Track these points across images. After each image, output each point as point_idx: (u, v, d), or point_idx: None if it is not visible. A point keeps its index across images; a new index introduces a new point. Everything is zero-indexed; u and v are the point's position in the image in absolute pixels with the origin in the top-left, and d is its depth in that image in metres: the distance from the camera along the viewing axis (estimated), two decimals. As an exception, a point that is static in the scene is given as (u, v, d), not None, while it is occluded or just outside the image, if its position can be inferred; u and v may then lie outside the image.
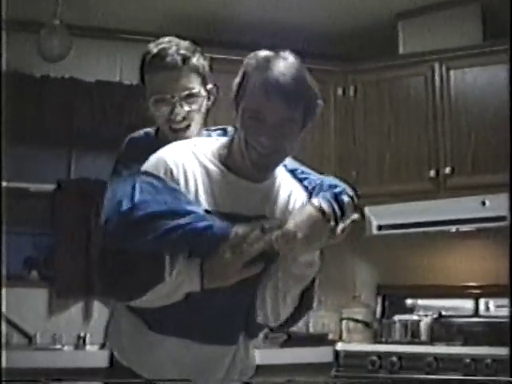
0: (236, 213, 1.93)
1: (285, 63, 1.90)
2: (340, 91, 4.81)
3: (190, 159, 1.95)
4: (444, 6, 4.69)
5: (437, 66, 4.60)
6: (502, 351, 3.54)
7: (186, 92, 2.19)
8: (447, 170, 4.45)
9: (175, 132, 2.15)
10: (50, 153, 5.09)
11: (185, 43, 2.30)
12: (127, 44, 5.05)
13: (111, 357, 2.14)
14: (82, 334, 4.64)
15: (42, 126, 4.85)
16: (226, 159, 1.99)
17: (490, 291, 4.48)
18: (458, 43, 4.57)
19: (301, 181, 2.09)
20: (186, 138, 2.09)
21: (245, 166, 1.94)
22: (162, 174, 1.91)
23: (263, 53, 1.94)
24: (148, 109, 2.23)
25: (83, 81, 4.89)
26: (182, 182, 1.91)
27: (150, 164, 1.95)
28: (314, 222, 1.85)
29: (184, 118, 2.17)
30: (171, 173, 1.91)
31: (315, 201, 1.90)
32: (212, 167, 1.96)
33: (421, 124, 4.60)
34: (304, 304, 2.04)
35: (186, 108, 2.18)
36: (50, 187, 4.85)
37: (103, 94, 4.91)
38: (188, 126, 2.17)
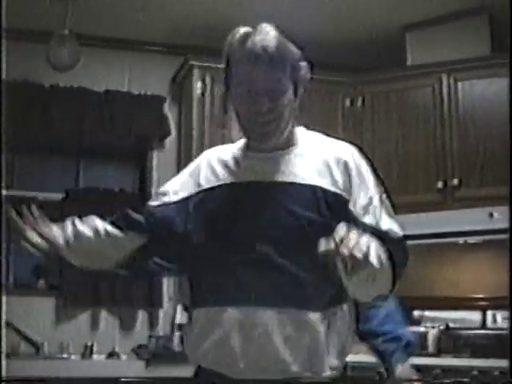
0: (253, 181, 1.98)
1: (264, 33, 1.93)
2: (348, 102, 4.82)
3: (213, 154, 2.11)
4: (452, 18, 4.70)
5: (444, 77, 4.61)
6: (510, 363, 3.54)
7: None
8: (455, 181, 4.45)
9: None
10: (58, 162, 5.12)
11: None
12: (136, 54, 5.09)
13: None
14: (89, 344, 4.65)
15: (51, 135, 4.87)
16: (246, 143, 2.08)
17: (497, 303, 4.46)
18: (465, 55, 4.59)
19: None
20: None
21: (254, 141, 2.00)
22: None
23: (243, 29, 1.99)
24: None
25: (92, 90, 4.91)
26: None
27: None
28: None
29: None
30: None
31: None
32: (229, 155, 2.07)
33: (428, 135, 4.60)
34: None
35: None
36: (58, 196, 4.86)
37: (112, 103, 4.93)
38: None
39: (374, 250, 1.71)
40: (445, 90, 4.60)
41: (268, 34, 1.92)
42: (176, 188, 2.08)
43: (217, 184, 2.01)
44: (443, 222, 4.42)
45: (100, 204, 4.82)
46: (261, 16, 5.07)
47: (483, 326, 4.52)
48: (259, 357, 1.85)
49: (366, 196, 1.93)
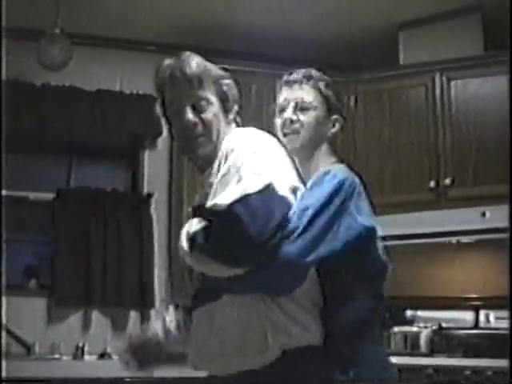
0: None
1: (182, 59, 2.10)
2: (341, 101, 4.81)
3: None
4: (445, 17, 4.70)
5: (438, 76, 4.60)
6: (503, 363, 3.52)
7: (299, 100, 2.34)
8: (447, 180, 4.44)
9: (285, 136, 2.28)
10: (49, 161, 5.09)
11: (317, 73, 2.43)
12: (128, 53, 5.07)
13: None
14: (80, 344, 4.63)
15: (43, 135, 4.85)
16: None
17: (490, 303, 4.47)
18: (459, 54, 4.58)
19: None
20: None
21: (187, 157, 2.15)
22: None
23: (167, 60, 2.14)
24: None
25: (84, 89, 4.90)
26: None
27: None
28: None
29: (292, 122, 2.30)
30: None
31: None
32: None
33: (421, 135, 4.59)
34: None
35: (298, 116, 2.32)
36: (49, 196, 4.84)
37: (104, 102, 4.91)
38: (297, 132, 2.30)
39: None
40: (438, 89, 4.59)
41: (186, 60, 2.09)
42: None
43: None
44: (436, 221, 4.41)
45: (92, 204, 4.81)
46: (255, 16, 5.08)
47: (476, 325, 4.53)
48: (211, 349, 2.02)
49: (220, 176, 1.97)
